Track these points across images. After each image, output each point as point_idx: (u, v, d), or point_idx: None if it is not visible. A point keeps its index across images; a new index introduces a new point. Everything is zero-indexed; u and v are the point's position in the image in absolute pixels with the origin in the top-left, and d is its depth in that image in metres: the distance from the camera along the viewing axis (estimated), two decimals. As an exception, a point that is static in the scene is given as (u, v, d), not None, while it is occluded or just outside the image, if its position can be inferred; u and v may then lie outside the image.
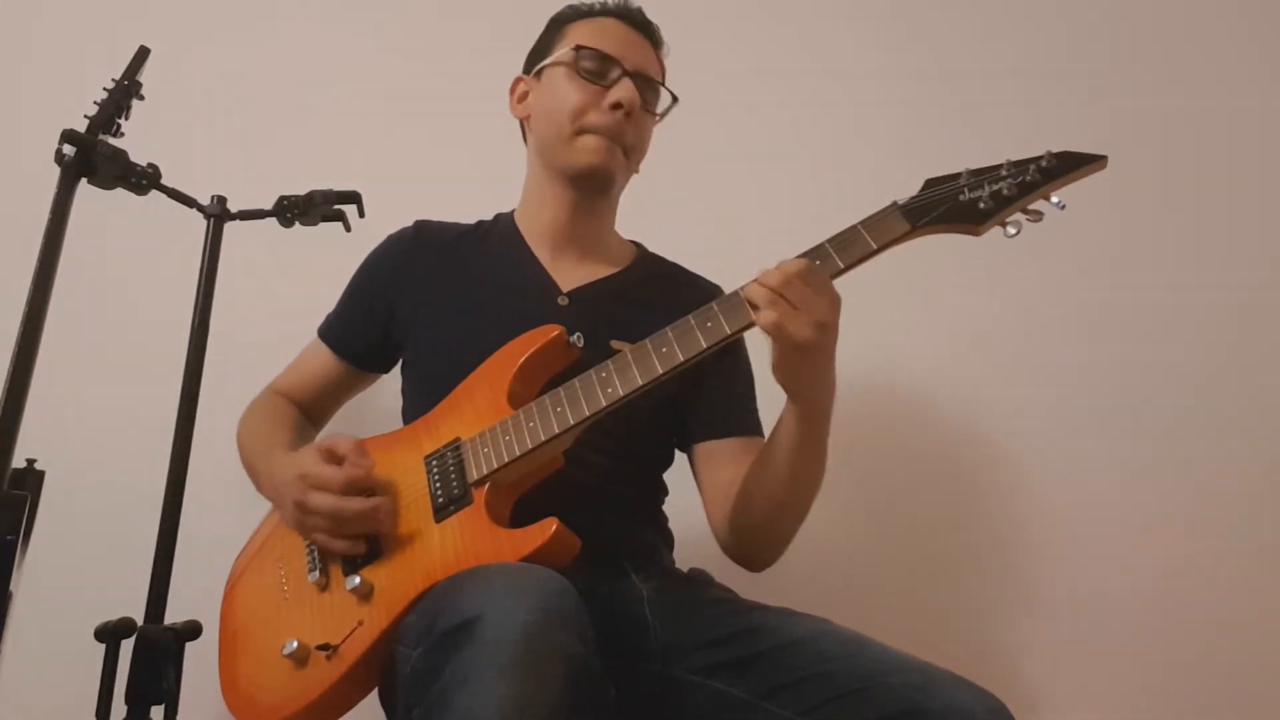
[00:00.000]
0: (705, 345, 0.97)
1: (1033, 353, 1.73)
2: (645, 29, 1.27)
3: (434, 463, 1.07)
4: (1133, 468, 1.67)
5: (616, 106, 1.18)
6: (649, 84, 1.24)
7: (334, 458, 1.04)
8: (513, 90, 1.31)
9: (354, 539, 1.02)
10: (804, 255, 0.97)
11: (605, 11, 1.26)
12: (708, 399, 1.22)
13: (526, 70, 1.30)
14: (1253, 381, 1.70)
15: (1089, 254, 1.74)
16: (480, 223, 1.33)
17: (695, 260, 1.35)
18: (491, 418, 1.06)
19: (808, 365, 0.97)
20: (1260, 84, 1.82)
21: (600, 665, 0.84)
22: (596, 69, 1.20)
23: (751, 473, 1.11)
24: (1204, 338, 1.72)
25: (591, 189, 1.24)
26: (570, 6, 1.29)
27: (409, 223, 1.32)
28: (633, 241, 1.35)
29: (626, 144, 1.21)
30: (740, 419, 1.22)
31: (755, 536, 1.14)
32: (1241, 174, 1.78)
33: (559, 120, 1.20)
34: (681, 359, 0.98)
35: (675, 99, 1.27)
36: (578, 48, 1.20)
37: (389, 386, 1.32)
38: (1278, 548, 1.64)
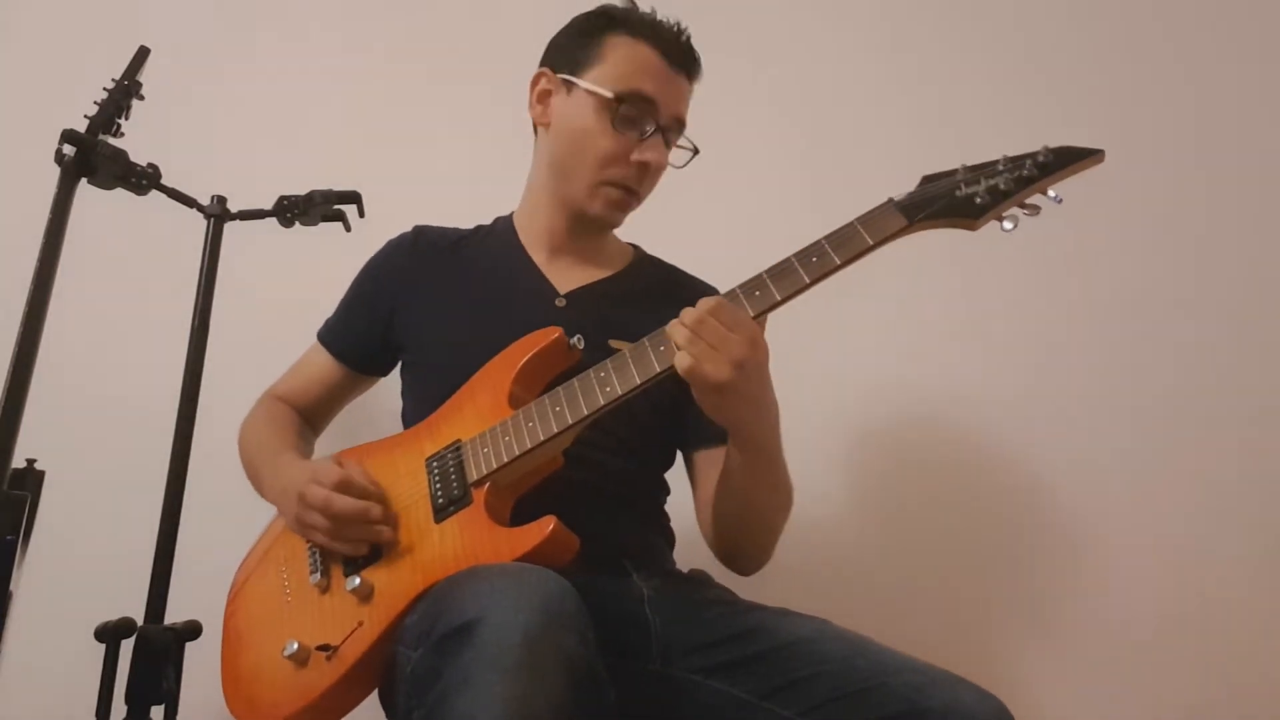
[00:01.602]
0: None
1: (1038, 353, 1.72)
2: (685, 65, 1.19)
3: (434, 464, 1.07)
4: (1136, 470, 1.66)
5: (643, 165, 1.17)
6: (677, 132, 1.21)
7: (338, 464, 1.05)
8: (534, 84, 1.24)
9: (353, 541, 1.02)
10: (804, 250, 0.96)
11: (650, 36, 1.17)
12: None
13: (554, 66, 1.22)
14: (1263, 383, 1.70)
15: (1095, 253, 1.74)
16: (479, 227, 1.33)
17: (692, 261, 1.35)
18: (492, 419, 1.06)
19: (728, 404, 0.96)
20: (1259, 79, 1.82)
21: (601, 667, 0.84)
22: (633, 119, 1.16)
23: (717, 490, 1.12)
24: (1210, 336, 1.71)
25: (595, 227, 1.25)
26: (617, 8, 1.21)
27: (409, 223, 1.32)
28: (630, 244, 1.35)
29: (643, 194, 1.22)
30: None
31: (733, 548, 1.16)
32: (1245, 168, 1.78)
33: (584, 162, 1.17)
34: (680, 357, 0.97)
35: (696, 151, 1.23)
36: (619, 98, 1.14)
37: (389, 389, 1.32)
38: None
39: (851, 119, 1.84)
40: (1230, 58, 1.83)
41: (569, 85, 1.19)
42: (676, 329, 0.94)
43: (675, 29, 1.20)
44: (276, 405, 1.30)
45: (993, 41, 1.88)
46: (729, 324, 0.92)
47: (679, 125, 1.21)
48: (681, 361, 0.92)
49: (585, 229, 1.25)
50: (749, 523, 1.11)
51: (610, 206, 1.20)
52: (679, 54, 1.19)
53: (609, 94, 1.15)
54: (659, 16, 1.20)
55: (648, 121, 1.16)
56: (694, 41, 1.22)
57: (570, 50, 1.21)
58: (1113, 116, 1.78)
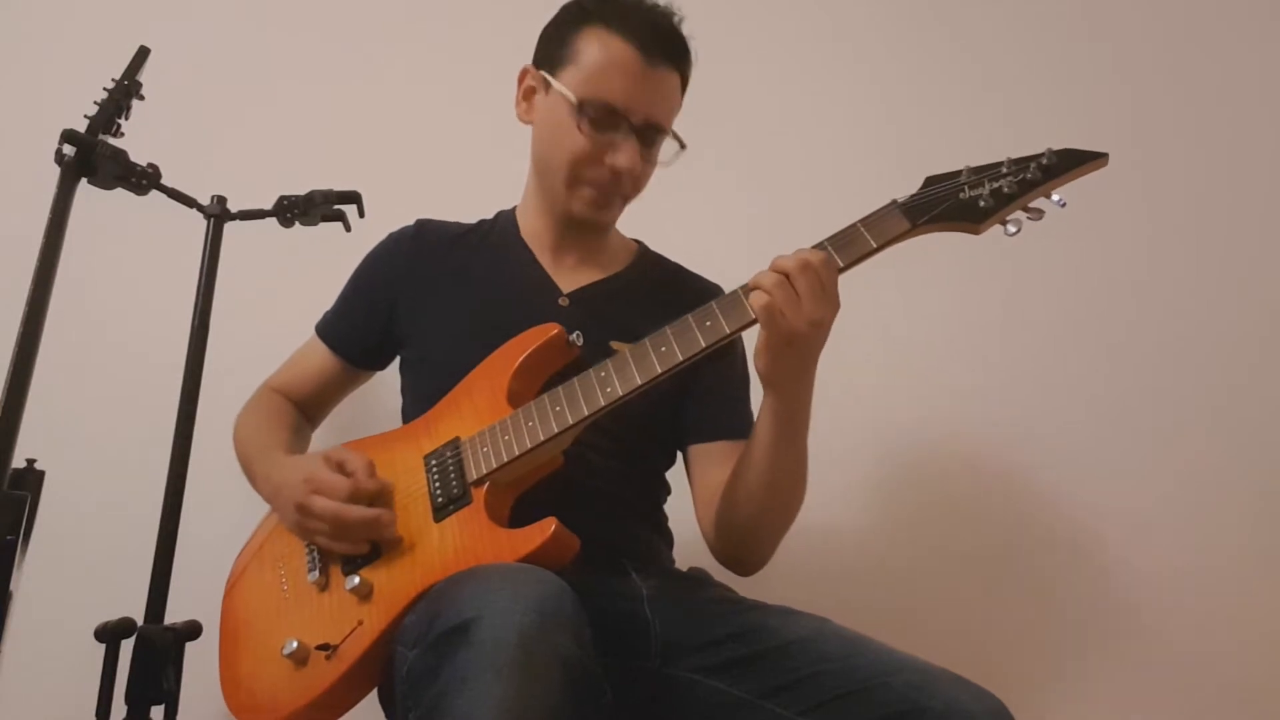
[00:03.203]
0: (704, 344, 0.97)
1: (1039, 353, 1.72)
2: (666, 56, 1.13)
3: (433, 462, 1.07)
4: (1137, 469, 1.66)
5: (614, 170, 1.14)
6: (657, 132, 1.16)
7: (342, 470, 1.04)
8: (520, 79, 1.21)
9: (355, 542, 1.02)
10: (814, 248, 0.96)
11: (625, 29, 1.11)
12: (702, 400, 1.22)
13: (537, 62, 1.20)
14: (1260, 381, 1.70)
15: (1094, 256, 1.74)
16: (481, 222, 1.33)
17: (695, 259, 1.35)
18: (491, 417, 1.06)
19: (791, 359, 0.96)
20: (1257, 81, 1.82)
21: (597, 667, 0.84)
22: (601, 122, 1.12)
23: (734, 475, 1.10)
24: (1213, 337, 1.71)
25: (587, 227, 1.23)
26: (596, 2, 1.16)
27: (409, 222, 1.32)
28: (634, 240, 1.35)
29: (624, 195, 1.20)
30: (732, 421, 1.22)
31: (740, 539, 1.14)
32: (1247, 170, 1.78)
33: (559, 162, 1.15)
34: (680, 358, 0.97)
35: (683, 146, 1.18)
36: (582, 103, 1.10)
37: (389, 386, 1.32)
38: (1280, 548, 1.64)
39: (855, 117, 1.84)
40: (1228, 61, 1.83)
41: (546, 84, 1.17)
42: (767, 275, 0.93)
43: (657, 15, 1.14)
44: (273, 397, 1.30)
45: (999, 39, 1.88)
46: (824, 281, 0.93)
47: (654, 129, 1.15)
48: (759, 300, 0.92)
49: (579, 228, 1.24)
50: (766, 508, 1.08)
51: (590, 206, 1.18)
52: (659, 47, 1.12)
53: (573, 98, 1.11)
54: (642, 4, 1.14)
55: (618, 123, 1.12)
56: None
57: (549, 45, 1.18)
58: (1110, 117, 1.78)
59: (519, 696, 0.74)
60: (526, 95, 1.21)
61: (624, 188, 1.18)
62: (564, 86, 1.13)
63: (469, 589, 0.85)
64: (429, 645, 0.82)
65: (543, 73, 1.18)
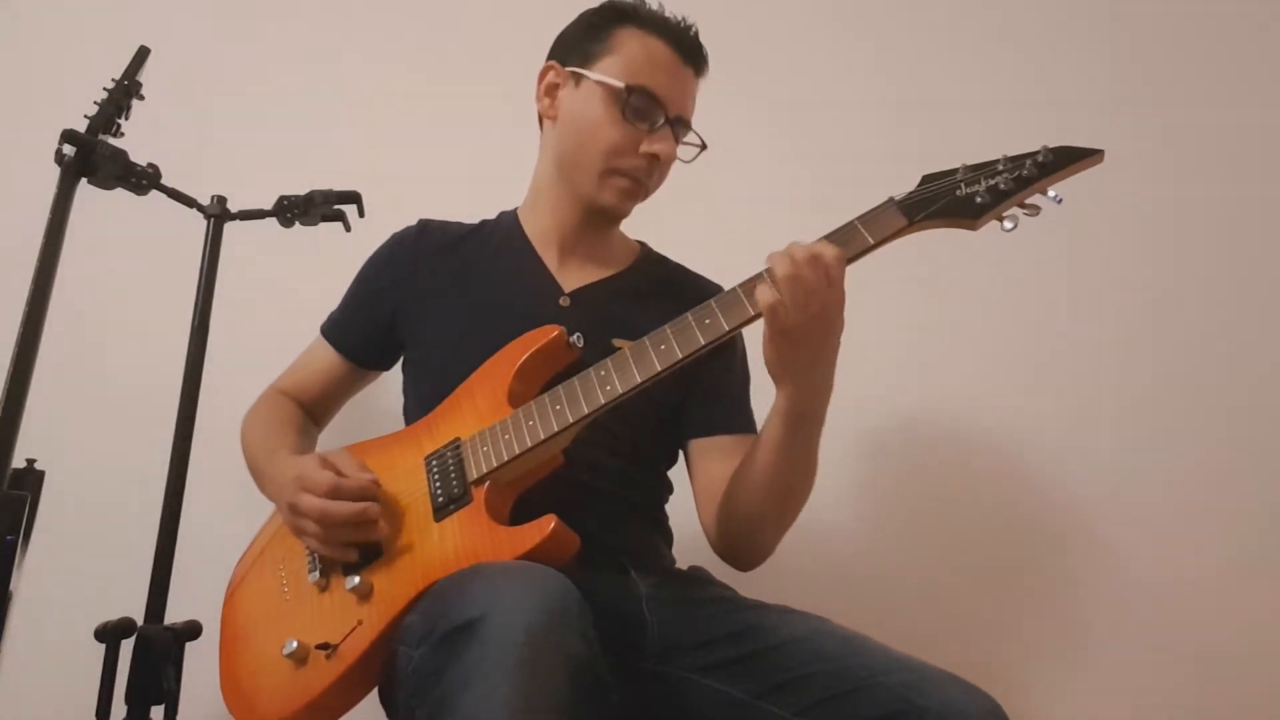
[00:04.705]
0: (704, 342, 0.97)
1: (1040, 354, 1.72)
2: (695, 60, 1.21)
3: (434, 462, 1.07)
4: (1138, 470, 1.66)
5: (653, 157, 1.17)
6: (685, 128, 1.21)
7: (331, 467, 1.04)
8: (541, 76, 1.24)
9: (344, 547, 1.02)
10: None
11: (661, 30, 1.18)
12: (703, 396, 1.22)
13: (562, 60, 1.22)
14: (1266, 380, 1.70)
15: (1093, 255, 1.75)
16: (484, 222, 1.33)
17: (693, 259, 1.35)
18: (491, 417, 1.06)
19: (798, 354, 0.96)
20: (1253, 80, 1.83)
21: (604, 666, 0.84)
22: (643, 110, 1.16)
23: (739, 471, 1.10)
24: (1219, 336, 1.71)
25: (604, 219, 1.24)
26: (626, 2, 1.21)
27: (409, 222, 1.32)
28: (637, 241, 1.35)
29: (651, 187, 1.22)
30: (733, 416, 1.22)
31: (740, 537, 1.13)
32: (1254, 165, 1.78)
33: (591, 153, 1.17)
34: (680, 356, 0.98)
35: (704, 146, 1.23)
36: (630, 89, 1.14)
37: (390, 386, 1.32)
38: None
39: (851, 117, 1.84)
40: (1224, 59, 1.83)
41: (577, 77, 1.19)
42: (779, 256, 0.92)
43: (684, 24, 1.20)
44: (279, 399, 1.30)
45: (997, 37, 1.88)
46: (834, 276, 0.92)
47: (684, 125, 1.21)
48: (765, 296, 0.92)
49: (595, 223, 1.24)
50: (768, 504, 1.08)
51: (620, 195, 1.20)
52: (689, 49, 1.20)
53: (620, 84, 1.15)
54: (667, 13, 1.21)
55: (657, 114, 1.16)
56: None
57: (580, 43, 1.21)
58: (1109, 116, 1.78)
59: (526, 695, 0.74)
60: (548, 91, 1.23)
61: (654, 178, 1.21)
62: (604, 75, 1.16)
63: (474, 587, 0.84)
64: (435, 644, 0.82)
65: (571, 68, 1.20)
